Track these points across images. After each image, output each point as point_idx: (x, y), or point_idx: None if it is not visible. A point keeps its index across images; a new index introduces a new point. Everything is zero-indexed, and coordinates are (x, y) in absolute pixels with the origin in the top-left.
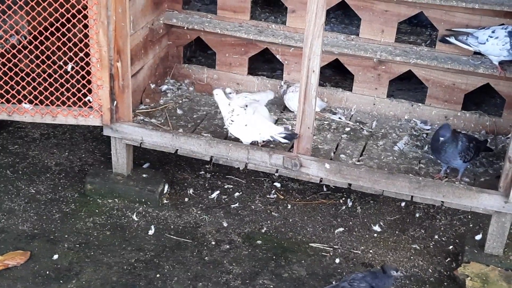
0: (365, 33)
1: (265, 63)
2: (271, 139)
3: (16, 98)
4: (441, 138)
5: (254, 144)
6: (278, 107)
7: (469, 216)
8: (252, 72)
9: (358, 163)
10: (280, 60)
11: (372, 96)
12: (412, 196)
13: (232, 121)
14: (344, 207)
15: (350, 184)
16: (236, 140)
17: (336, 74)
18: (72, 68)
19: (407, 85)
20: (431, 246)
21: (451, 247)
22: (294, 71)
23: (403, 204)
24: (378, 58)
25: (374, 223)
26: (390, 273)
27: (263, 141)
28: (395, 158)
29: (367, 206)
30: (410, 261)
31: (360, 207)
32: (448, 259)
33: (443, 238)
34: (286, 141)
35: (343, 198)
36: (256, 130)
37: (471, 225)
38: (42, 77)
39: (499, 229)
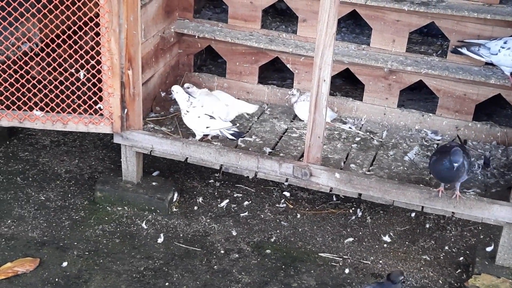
0: (376, 42)
1: (275, 72)
2: (220, 134)
3: (27, 105)
4: (455, 164)
5: (204, 137)
6: (288, 116)
7: (480, 227)
8: (262, 81)
9: (368, 173)
10: (291, 69)
11: (382, 106)
12: (422, 207)
13: (187, 111)
14: (354, 217)
15: (360, 194)
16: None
17: (346, 83)
18: (84, 75)
19: (417, 95)
20: (442, 257)
21: (461, 258)
22: (305, 80)
23: (413, 214)
24: (389, 67)
25: (384, 234)
26: (398, 280)
27: (211, 137)
28: (405, 168)
29: (377, 216)
30: (420, 272)
31: (370, 217)
32: (459, 270)
33: (454, 249)
34: (232, 137)
35: (353, 208)
36: (206, 123)
37: (482, 237)
38: (53, 84)
39: (510, 240)
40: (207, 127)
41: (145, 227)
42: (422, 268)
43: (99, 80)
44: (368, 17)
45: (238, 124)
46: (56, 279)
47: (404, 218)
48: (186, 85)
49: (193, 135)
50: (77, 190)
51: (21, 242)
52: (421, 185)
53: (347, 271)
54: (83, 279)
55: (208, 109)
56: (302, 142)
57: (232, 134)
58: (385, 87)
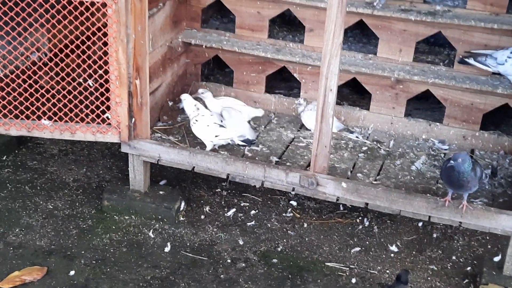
0: (383, 52)
1: (282, 82)
2: (230, 142)
3: (36, 115)
4: (452, 162)
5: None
6: (295, 125)
7: (488, 237)
8: (270, 91)
9: (375, 182)
10: (298, 78)
11: (389, 115)
12: (429, 216)
13: (196, 120)
14: (360, 227)
15: (367, 204)
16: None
17: (353, 93)
18: (92, 85)
19: (425, 105)
20: (449, 267)
21: (469, 268)
22: (312, 89)
23: (420, 224)
24: (396, 77)
25: (391, 243)
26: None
27: (218, 146)
28: (412, 177)
29: (384, 226)
30: (427, 282)
31: (377, 226)
32: (466, 280)
33: (461, 259)
34: (243, 144)
35: (360, 218)
36: (215, 132)
37: (489, 246)
38: (61, 94)
39: None
40: (216, 136)
41: (152, 236)
42: (429, 278)
43: (107, 90)
44: (375, 26)
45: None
46: None
47: (411, 228)
48: (200, 90)
49: (201, 144)
50: (85, 199)
51: (29, 250)
52: (428, 194)
53: (354, 280)
54: None
55: (217, 117)
56: (309, 151)
57: (243, 141)
58: (392, 96)
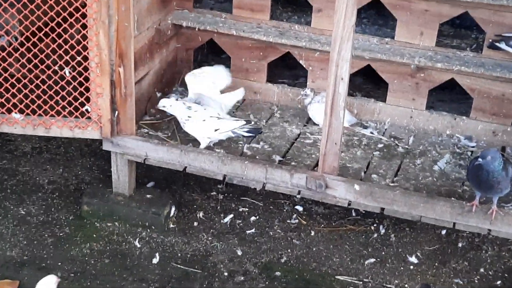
0: (401, 35)
1: (286, 69)
2: (233, 134)
3: (6, 107)
4: (480, 160)
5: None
6: (301, 119)
7: None
8: (272, 80)
9: (392, 184)
10: (304, 66)
11: (409, 108)
12: (454, 223)
13: (189, 117)
14: (375, 235)
15: (383, 209)
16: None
17: (367, 82)
18: (69, 73)
19: (449, 96)
20: (476, 281)
21: (499, 282)
22: (320, 78)
23: (443, 232)
24: (416, 64)
25: (410, 254)
26: None
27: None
28: (435, 179)
29: (402, 234)
30: None
31: (394, 235)
32: None
33: (490, 272)
34: (250, 135)
35: (375, 225)
36: (215, 125)
37: None
38: (34, 84)
39: None
40: (216, 130)
41: (139, 245)
42: None
43: (86, 79)
44: (392, 6)
45: (252, 122)
46: None
47: (433, 236)
48: (173, 96)
49: (194, 141)
50: (62, 203)
51: None
52: (453, 198)
53: None
54: None
55: (213, 111)
56: (317, 149)
57: (248, 132)
58: (411, 86)
